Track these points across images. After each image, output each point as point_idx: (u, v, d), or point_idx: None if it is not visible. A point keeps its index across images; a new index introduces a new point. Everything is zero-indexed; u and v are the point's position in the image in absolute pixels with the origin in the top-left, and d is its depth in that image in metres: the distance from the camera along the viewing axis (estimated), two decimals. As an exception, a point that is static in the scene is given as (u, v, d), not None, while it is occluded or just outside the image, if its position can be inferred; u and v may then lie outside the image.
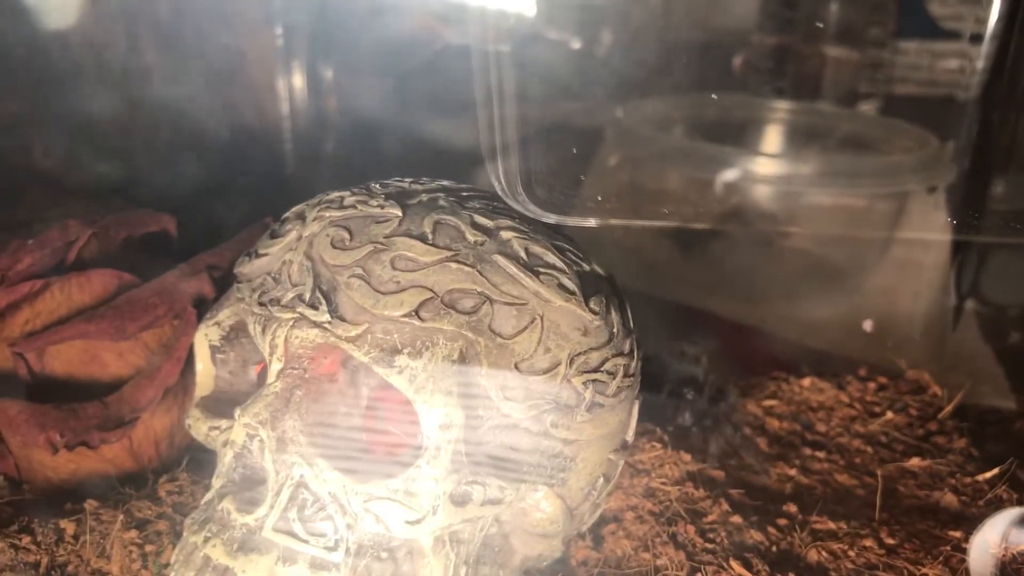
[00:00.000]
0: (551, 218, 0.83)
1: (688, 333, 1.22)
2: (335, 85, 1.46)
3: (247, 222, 0.95)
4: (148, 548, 0.75)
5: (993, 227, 1.19)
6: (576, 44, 1.60)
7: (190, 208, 1.03)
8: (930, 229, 1.31)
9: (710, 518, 0.83)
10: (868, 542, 0.83)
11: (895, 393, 1.10)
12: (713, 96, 1.62)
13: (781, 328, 1.28)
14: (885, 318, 1.25)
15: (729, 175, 1.32)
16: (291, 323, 0.66)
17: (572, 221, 0.90)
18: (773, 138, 1.57)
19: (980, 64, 1.26)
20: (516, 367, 0.67)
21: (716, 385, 0.98)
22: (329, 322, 0.65)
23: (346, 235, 0.68)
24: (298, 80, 1.44)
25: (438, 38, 1.42)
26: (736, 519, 0.83)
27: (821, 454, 0.97)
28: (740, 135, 1.53)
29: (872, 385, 1.11)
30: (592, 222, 0.97)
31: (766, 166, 1.32)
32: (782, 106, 1.59)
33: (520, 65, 0.87)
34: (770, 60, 1.66)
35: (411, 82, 1.43)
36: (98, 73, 1.32)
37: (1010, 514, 0.84)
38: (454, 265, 0.66)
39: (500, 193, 0.84)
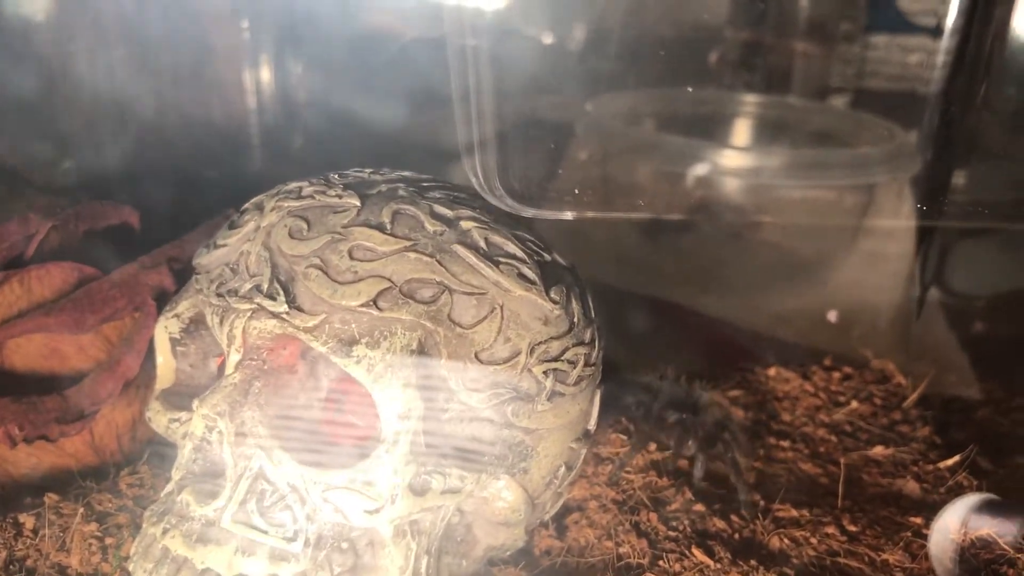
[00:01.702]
0: (528, 212, 0.84)
1: (656, 325, 1.23)
2: (303, 79, 1.46)
3: (212, 216, 0.94)
4: (108, 541, 0.74)
5: (956, 215, 1.21)
6: (550, 39, 1.61)
7: (154, 202, 1.02)
8: (896, 220, 1.33)
9: (673, 506, 0.84)
10: (830, 529, 0.83)
11: (860, 383, 1.11)
12: (688, 89, 1.63)
13: (748, 320, 1.28)
14: (851, 309, 1.25)
15: (698, 168, 1.32)
16: (249, 314, 0.66)
17: (548, 214, 0.91)
18: (743, 132, 1.58)
19: (942, 59, 1.28)
20: (476, 357, 0.67)
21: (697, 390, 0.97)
22: (287, 312, 0.65)
23: (304, 225, 0.67)
24: (265, 74, 1.43)
25: (407, 31, 1.42)
26: (699, 507, 0.84)
27: (786, 443, 0.98)
28: (710, 129, 1.54)
29: (837, 375, 1.12)
30: (568, 215, 0.98)
31: (735, 159, 1.33)
32: (752, 100, 1.59)
33: (496, 61, 0.87)
34: (741, 55, 1.67)
35: (380, 75, 1.43)
36: (62, 67, 1.31)
37: (970, 500, 0.85)
38: (413, 255, 0.66)
39: (477, 188, 0.84)
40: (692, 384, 0.94)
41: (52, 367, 0.83)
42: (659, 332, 1.19)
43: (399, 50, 1.43)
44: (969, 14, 1.23)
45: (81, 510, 0.76)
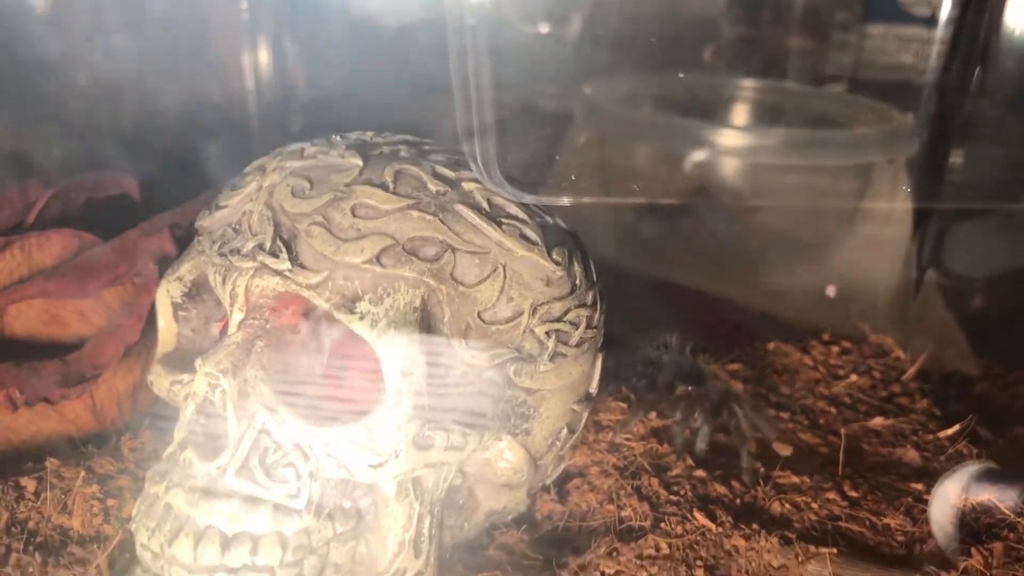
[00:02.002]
0: (527, 198, 0.84)
1: (655, 303, 1.23)
2: (302, 59, 1.46)
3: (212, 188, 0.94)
4: (110, 503, 0.74)
5: (951, 197, 1.22)
6: (548, 27, 1.61)
7: (152, 180, 1.02)
8: (893, 201, 1.33)
9: (674, 472, 0.84)
10: (831, 495, 0.84)
11: (859, 357, 1.11)
12: (684, 74, 1.63)
13: (747, 298, 1.28)
14: (849, 288, 1.26)
15: (697, 147, 1.33)
16: (251, 272, 0.65)
17: (547, 200, 0.91)
18: (740, 115, 1.58)
19: (937, 48, 1.29)
20: (479, 316, 0.67)
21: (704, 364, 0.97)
22: (290, 270, 0.64)
23: (306, 184, 0.67)
24: (264, 55, 1.43)
25: (405, 12, 1.42)
26: (700, 473, 0.84)
27: (785, 415, 0.98)
28: (708, 112, 1.54)
29: (836, 349, 1.12)
30: (565, 201, 0.98)
31: (733, 138, 1.33)
32: (750, 84, 1.60)
33: (496, 47, 0.88)
34: (738, 41, 1.68)
35: (379, 56, 1.43)
36: (61, 46, 1.31)
37: (970, 468, 0.86)
38: (415, 213, 0.66)
39: (477, 175, 0.84)
40: (696, 355, 0.94)
41: (53, 333, 0.83)
42: (658, 309, 1.19)
43: (396, 32, 1.43)
44: (963, 4, 1.25)
45: (82, 473, 0.76)
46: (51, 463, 0.78)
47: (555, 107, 1.51)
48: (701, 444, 0.87)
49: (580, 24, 1.63)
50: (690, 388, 0.90)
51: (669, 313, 1.17)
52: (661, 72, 1.57)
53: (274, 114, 1.45)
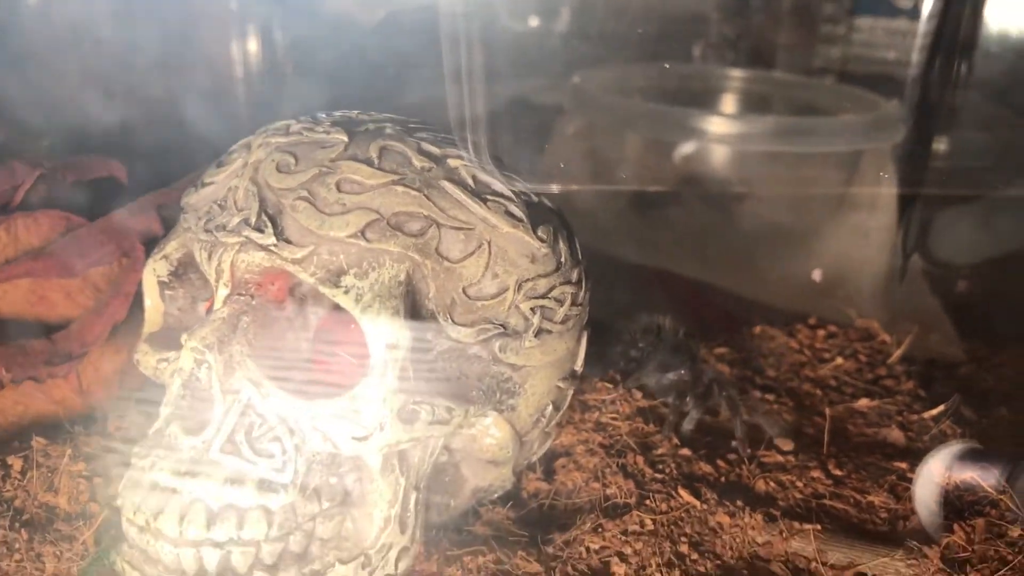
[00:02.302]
0: (531, 198, 0.84)
1: (643, 290, 1.23)
2: (290, 48, 1.46)
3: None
4: (96, 481, 0.74)
5: (936, 183, 1.24)
6: (537, 20, 1.62)
7: (141, 168, 1.02)
8: (879, 188, 1.34)
9: (660, 451, 0.84)
10: (816, 473, 0.84)
11: (844, 340, 1.12)
12: (673, 64, 1.64)
13: (734, 284, 1.29)
14: (836, 274, 1.26)
15: (686, 135, 1.33)
16: (237, 247, 0.66)
17: (537, 189, 0.91)
18: (729, 104, 1.59)
19: (920, 40, 1.31)
20: (464, 291, 0.68)
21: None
22: (275, 245, 0.65)
23: (291, 160, 0.68)
24: (252, 43, 1.43)
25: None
26: (685, 452, 0.84)
27: (771, 396, 0.98)
28: (696, 102, 1.55)
29: (822, 333, 1.13)
30: (554, 188, 0.98)
31: (722, 125, 1.34)
32: (738, 75, 1.61)
33: (488, 38, 0.88)
34: (729, 33, 1.69)
35: (369, 44, 1.43)
36: (48, 35, 1.30)
37: (954, 447, 0.86)
38: (400, 188, 0.66)
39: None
40: (688, 338, 0.94)
41: (39, 314, 0.83)
42: (645, 294, 1.20)
43: (384, 19, 1.43)
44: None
45: (69, 451, 0.76)
46: (37, 442, 0.78)
47: (546, 98, 1.52)
48: (688, 426, 0.88)
49: (570, 15, 1.63)
50: (682, 373, 0.90)
51: (656, 298, 1.18)
52: (650, 61, 1.58)
53: (263, 101, 1.45)
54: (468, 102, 0.84)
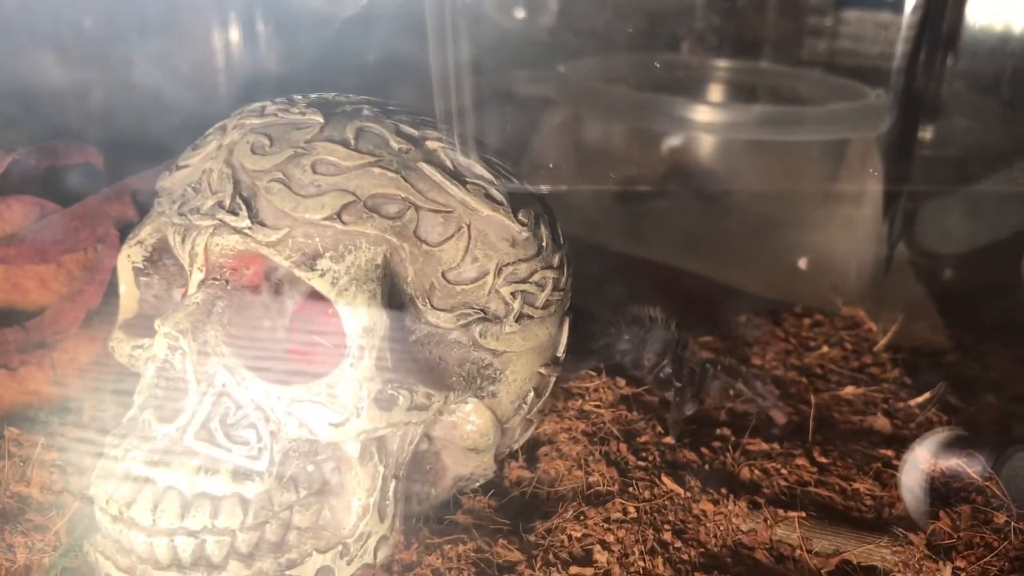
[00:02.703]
0: (512, 181, 0.83)
1: (630, 279, 1.22)
2: (273, 36, 1.44)
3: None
4: (70, 470, 0.73)
5: (920, 175, 1.24)
6: (522, 13, 1.60)
7: (119, 156, 1.01)
8: (865, 179, 1.34)
9: (643, 439, 0.83)
10: (801, 461, 0.83)
11: (830, 329, 1.11)
12: (661, 55, 1.64)
13: (720, 274, 1.28)
14: (822, 265, 1.26)
15: (673, 124, 1.33)
16: (211, 230, 0.64)
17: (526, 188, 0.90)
18: (716, 94, 1.59)
19: (904, 32, 1.31)
20: (443, 276, 0.67)
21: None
22: (249, 228, 0.63)
23: (266, 141, 0.66)
24: (234, 32, 1.42)
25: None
26: (669, 440, 0.84)
27: (757, 384, 0.97)
28: (684, 90, 1.55)
29: (807, 321, 1.12)
30: (543, 188, 0.97)
31: (709, 114, 1.33)
32: (724, 65, 1.60)
33: (474, 32, 0.87)
34: (716, 25, 1.68)
35: (349, 31, 1.41)
36: (28, 23, 1.29)
37: (941, 434, 0.86)
38: (377, 170, 0.65)
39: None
40: (679, 329, 0.93)
41: (13, 302, 0.81)
42: (632, 283, 1.19)
43: (366, 7, 1.42)
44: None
45: (42, 441, 0.75)
46: (10, 432, 0.77)
47: (533, 93, 1.51)
48: (675, 414, 0.86)
49: (557, 6, 1.62)
50: (674, 363, 0.89)
51: (641, 286, 1.17)
52: (637, 53, 1.57)
53: (245, 90, 1.44)
54: (454, 94, 0.83)
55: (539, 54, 1.55)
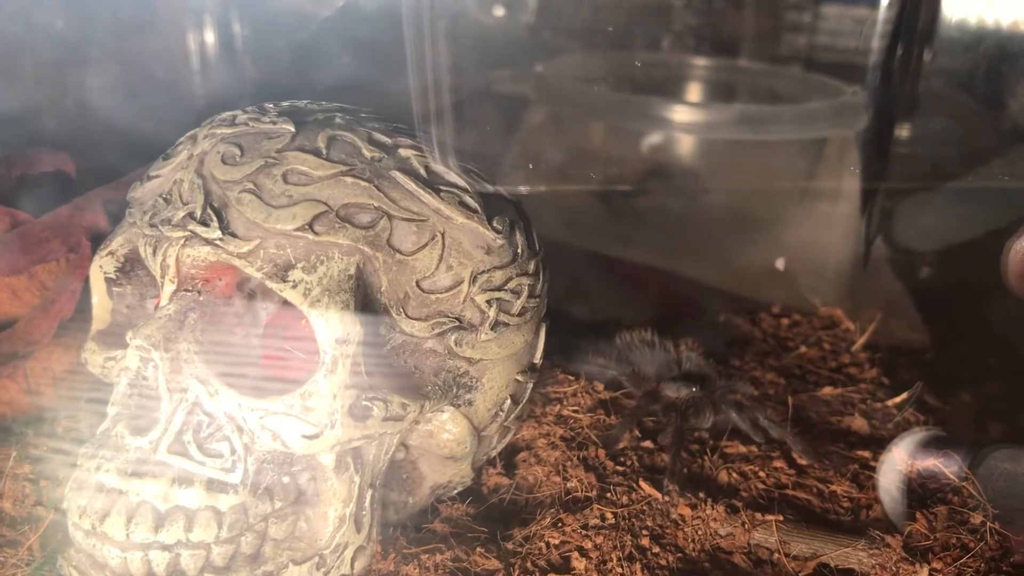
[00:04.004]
0: (487, 188, 0.83)
1: (608, 281, 1.23)
2: (247, 40, 1.44)
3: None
4: (43, 483, 0.73)
5: (897, 172, 1.24)
6: (501, 11, 1.60)
7: (93, 161, 1.00)
8: (842, 177, 1.34)
9: (621, 444, 0.83)
10: (779, 463, 0.83)
11: (808, 328, 1.11)
12: (640, 54, 1.63)
13: (699, 274, 1.28)
14: (800, 264, 1.26)
15: (651, 123, 1.33)
16: (182, 241, 0.64)
17: (505, 190, 0.90)
18: (695, 93, 1.59)
19: (881, 28, 1.31)
20: (417, 285, 0.66)
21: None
22: (221, 239, 0.63)
23: (237, 151, 0.66)
24: (209, 35, 1.41)
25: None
26: (647, 444, 0.84)
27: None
28: (662, 90, 1.54)
29: (786, 322, 1.12)
30: (523, 189, 0.97)
31: (687, 114, 1.33)
32: (703, 63, 1.60)
33: (452, 34, 0.86)
34: (695, 23, 1.68)
35: (325, 34, 1.41)
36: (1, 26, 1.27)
37: (917, 435, 0.86)
38: (349, 179, 0.65)
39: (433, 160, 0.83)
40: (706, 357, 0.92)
41: (-16, 314, 0.80)
42: (609, 285, 1.19)
43: (342, 9, 1.41)
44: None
45: (15, 453, 0.75)
46: (-18, 445, 0.76)
47: (512, 93, 1.50)
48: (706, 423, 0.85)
49: (535, 7, 1.62)
50: (695, 392, 0.87)
51: (619, 287, 1.17)
52: (615, 52, 1.57)
53: (221, 95, 1.43)
54: (433, 95, 0.83)
55: (519, 53, 1.55)
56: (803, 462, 0.84)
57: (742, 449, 0.85)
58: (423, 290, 0.67)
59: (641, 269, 1.27)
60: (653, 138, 1.37)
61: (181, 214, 0.65)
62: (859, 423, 0.92)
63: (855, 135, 1.31)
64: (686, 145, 1.40)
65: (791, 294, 1.19)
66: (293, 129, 0.67)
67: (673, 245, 1.34)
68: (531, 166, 1.39)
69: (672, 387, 0.87)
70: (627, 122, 1.37)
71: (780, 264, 1.22)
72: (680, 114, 1.33)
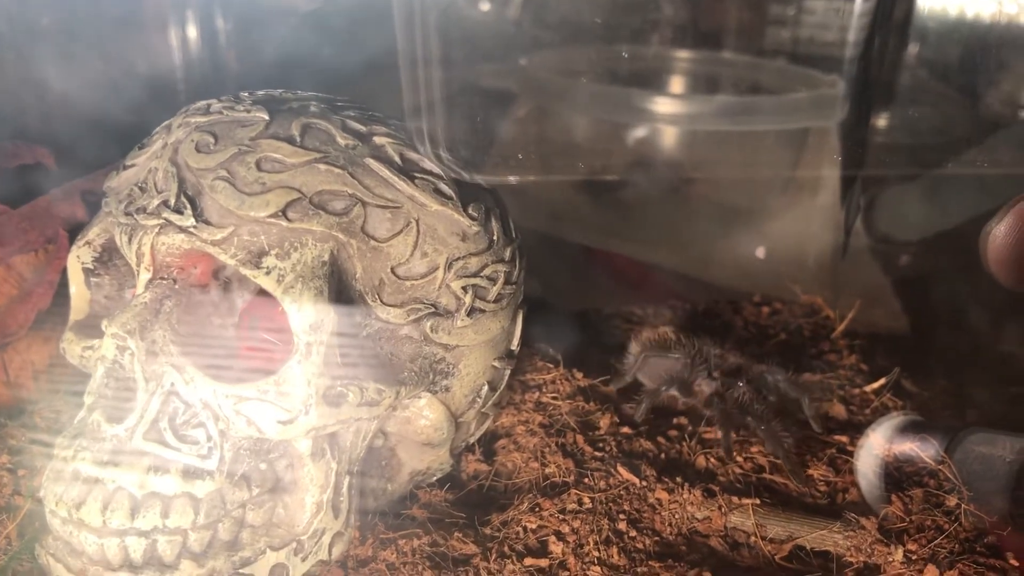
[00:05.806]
0: (478, 178, 0.83)
1: (587, 271, 1.23)
2: (230, 34, 1.44)
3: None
4: (21, 473, 0.73)
5: (875, 161, 1.25)
6: (487, 5, 1.60)
7: (75, 155, 1.00)
8: (823, 166, 1.35)
9: (600, 430, 0.84)
10: (756, 448, 0.84)
11: (789, 316, 1.12)
12: (624, 47, 1.64)
13: (681, 264, 1.29)
14: (780, 253, 1.27)
15: (634, 115, 1.33)
16: (156, 229, 0.64)
17: (494, 180, 0.90)
18: (678, 85, 1.59)
19: (858, 20, 1.32)
20: (392, 271, 0.67)
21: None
22: (195, 226, 0.63)
23: (211, 139, 0.66)
24: (192, 29, 1.41)
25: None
26: (626, 430, 0.84)
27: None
28: (645, 82, 1.55)
29: (766, 310, 1.13)
30: (512, 179, 0.97)
31: (670, 105, 1.34)
32: (686, 55, 1.61)
33: (443, 27, 0.87)
34: (679, 15, 1.68)
35: (308, 27, 1.41)
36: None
37: (895, 420, 0.87)
38: (323, 167, 0.65)
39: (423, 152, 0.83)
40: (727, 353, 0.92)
41: (-38, 305, 0.80)
42: (590, 274, 1.19)
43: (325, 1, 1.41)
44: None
45: (-7, 443, 0.75)
46: (-39, 435, 0.76)
47: (499, 86, 1.50)
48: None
49: (520, 2, 1.62)
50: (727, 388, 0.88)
51: (601, 277, 1.18)
52: (599, 45, 1.57)
53: (204, 89, 1.43)
54: (423, 89, 0.83)
55: (505, 46, 1.55)
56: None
57: (720, 435, 0.85)
58: (398, 276, 0.67)
59: (622, 259, 1.28)
60: (637, 130, 1.37)
61: (156, 202, 0.65)
62: (837, 408, 0.92)
63: (835, 125, 1.32)
64: (670, 137, 1.40)
65: (772, 283, 1.20)
66: (267, 117, 0.67)
67: (656, 235, 1.35)
68: (520, 156, 1.40)
69: (708, 383, 0.88)
70: (611, 114, 1.37)
71: (760, 253, 1.22)
72: (663, 106, 1.34)
